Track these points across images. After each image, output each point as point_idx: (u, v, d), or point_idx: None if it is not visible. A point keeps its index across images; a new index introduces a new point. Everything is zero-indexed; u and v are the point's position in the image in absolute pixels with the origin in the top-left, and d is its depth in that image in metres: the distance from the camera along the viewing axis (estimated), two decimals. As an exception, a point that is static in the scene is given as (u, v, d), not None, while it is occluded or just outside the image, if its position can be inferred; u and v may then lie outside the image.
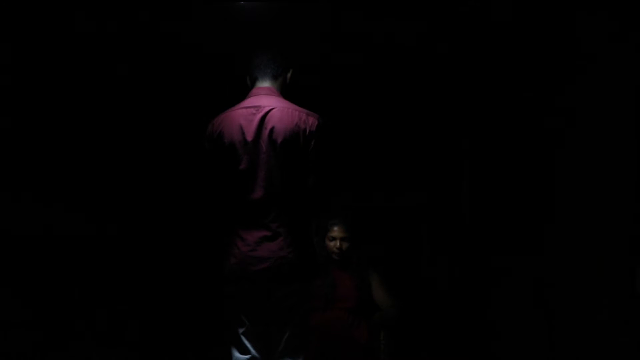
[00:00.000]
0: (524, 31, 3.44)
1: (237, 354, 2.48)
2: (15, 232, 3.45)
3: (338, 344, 3.18)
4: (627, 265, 2.96)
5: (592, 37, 3.14)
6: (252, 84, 2.55)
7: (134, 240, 3.75)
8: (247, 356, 2.46)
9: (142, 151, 3.82)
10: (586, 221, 3.14)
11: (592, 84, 3.16)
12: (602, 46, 3.09)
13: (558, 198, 3.34)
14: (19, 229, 3.47)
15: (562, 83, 3.32)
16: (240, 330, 2.46)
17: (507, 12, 3.39)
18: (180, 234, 3.79)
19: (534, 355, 3.40)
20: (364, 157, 4.01)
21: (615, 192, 3.03)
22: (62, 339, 3.50)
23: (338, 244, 3.42)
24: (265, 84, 2.52)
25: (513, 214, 3.61)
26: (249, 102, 2.47)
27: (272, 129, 2.39)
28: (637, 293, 2.92)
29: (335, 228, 3.45)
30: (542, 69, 3.42)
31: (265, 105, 2.43)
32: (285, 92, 2.55)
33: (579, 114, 3.23)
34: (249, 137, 2.39)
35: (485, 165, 3.83)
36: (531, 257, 3.44)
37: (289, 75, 2.59)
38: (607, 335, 3.00)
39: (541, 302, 3.38)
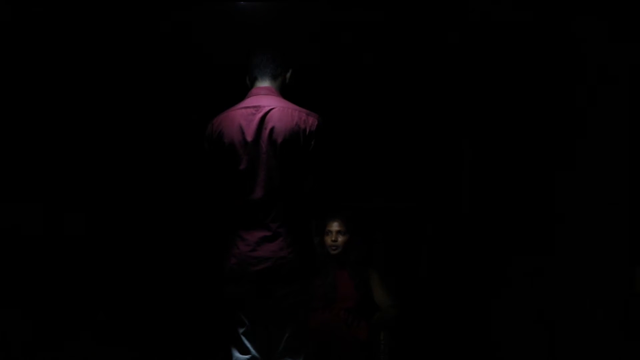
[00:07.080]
0: (524, 31, 3.44)
1: (237, 354, 2.48)
2: (15, 232, 3.45)
3: (338, 344, 3.17)
4: (626, 265, 2.96)
5: (593, 37, 3.14)
6: (252, 84, 2.54)
7: (134, 240, 3.75)
8: (247, 356, 2.46)
9: (143, 152, 3.82)
10: (586, 221, 3.14)
11: (592, 84, 3.16)
12: (603, 46, 3.09)
13: (558, 198, 3.34)
14: (19, 228, 3.47)
15: (562, 83, 3.32)
16: (240, 330, 2.46)
17: (508, 12, 3.39)
18: (181, 234, 3.79)
19: (534, 356, 3.40)
20: (363, 156, 4.00)
21: (615, 191, 3.03)
22: (61, 339, 3.50)
23: (333, 236, 3.42)
24: (264, 83, 2.51)
25: (513, 213, 3.60)
26: (249, 102, 2.46)
27: (272, 129, 2.38)
28: (636, 293, 2.92)
29: (331, 223, 3.46)
30: (543, 68, 3.42)
31: (265, 105, 2.42)
32: (285, 92, 2.55)
33: (578, 115, 3.23)
34: (249, 137, 2.39)
35: (485, 164, 3.83)
36: (531, 257, 3.44)
37: (288, 75, 2.58)
38: (607, 335, 3.00)
39: (541, 301, 3.38)
